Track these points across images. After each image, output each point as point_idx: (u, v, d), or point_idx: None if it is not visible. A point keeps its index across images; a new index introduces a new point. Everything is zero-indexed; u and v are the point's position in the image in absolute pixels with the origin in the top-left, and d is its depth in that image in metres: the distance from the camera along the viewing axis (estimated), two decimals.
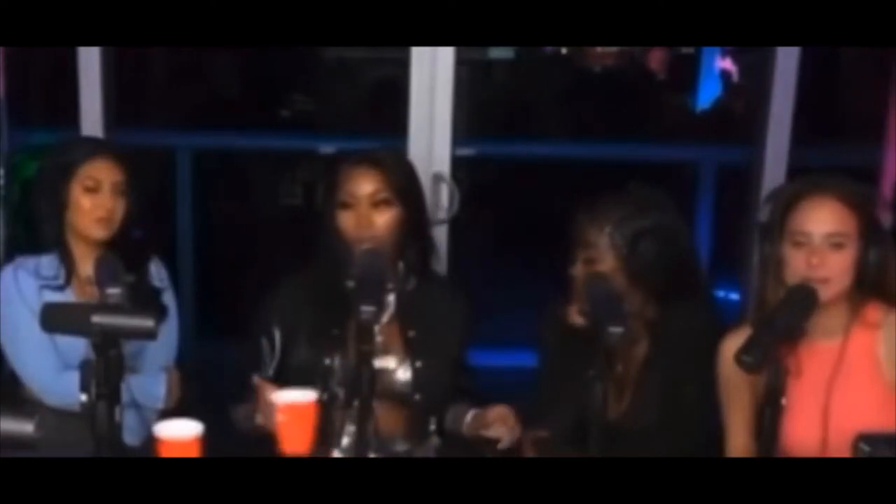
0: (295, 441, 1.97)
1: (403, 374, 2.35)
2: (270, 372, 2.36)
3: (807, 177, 2.14)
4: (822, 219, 2.05)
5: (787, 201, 2.10)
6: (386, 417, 2.31)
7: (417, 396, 2.35)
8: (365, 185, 2.33)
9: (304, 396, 1.99)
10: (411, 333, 2.36)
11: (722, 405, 2.21)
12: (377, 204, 2.32)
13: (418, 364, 2.35)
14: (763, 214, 2.16)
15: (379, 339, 2.24)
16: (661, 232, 2.32)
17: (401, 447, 2.37)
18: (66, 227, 2.52)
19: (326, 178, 2.45)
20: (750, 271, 2.25)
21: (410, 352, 2.36)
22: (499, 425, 2.19)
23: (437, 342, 2.38)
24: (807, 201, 2.07)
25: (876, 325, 2.10)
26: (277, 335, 2.38)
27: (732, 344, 2.12)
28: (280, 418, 1.97)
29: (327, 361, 2.32)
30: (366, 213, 2.31)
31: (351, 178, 2.34)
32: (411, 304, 2.37)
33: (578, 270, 2.36)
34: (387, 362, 2.33)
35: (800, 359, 2.02)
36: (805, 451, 2.06)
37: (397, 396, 2.33)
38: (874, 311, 2.11)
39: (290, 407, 1.97)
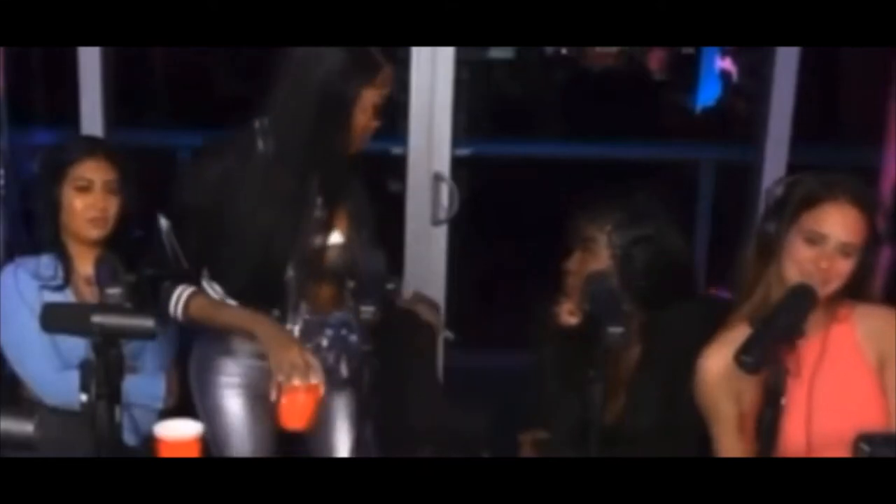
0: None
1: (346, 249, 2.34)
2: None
3: (829, 175, 2.11)
4: (843, 225, 2.05)
5: (808, 195, 2.08)
6: (324, 292, 2.32)
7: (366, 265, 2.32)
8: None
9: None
10: (350, 208, 2.36)
11: (707, 418, 2.17)
12: None
13: (364, 234, 2.35)
14: (774, 194, 2.14)
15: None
16: (658, 241, 2.34)
17: (337, 317, 2.34)
18: (62, 228, 2.52)
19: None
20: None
21: (353, 225, 2.34)
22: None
23: (367, 216, 2.39)
24: (830, 203, 2.06)
25: (848, 318, 2.14)
26: None
27: (712, 358, 2.14)
28: None
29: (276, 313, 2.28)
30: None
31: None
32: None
33: (574, 264, 2.38)
34: (335, 238, 2.32)
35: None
36: (792, 448, 2.05)
37: (341, 270, 2.31)
38: (843, 309, 2.15)
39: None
